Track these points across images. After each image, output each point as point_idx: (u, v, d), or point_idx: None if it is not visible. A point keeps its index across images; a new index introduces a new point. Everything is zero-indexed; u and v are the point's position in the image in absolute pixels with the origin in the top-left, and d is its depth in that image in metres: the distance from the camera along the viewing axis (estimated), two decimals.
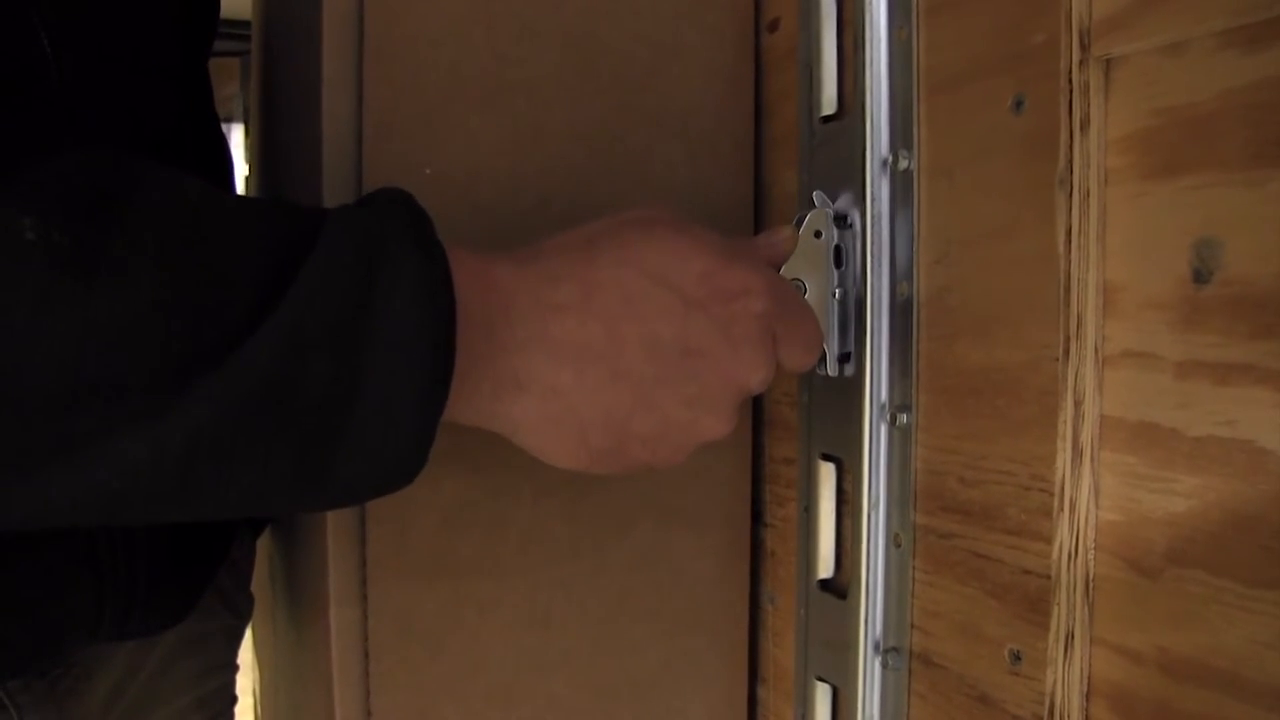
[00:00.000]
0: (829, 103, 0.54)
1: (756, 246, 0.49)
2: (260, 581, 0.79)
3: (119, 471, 0.32)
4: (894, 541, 0.51)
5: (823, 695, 0.56)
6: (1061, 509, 0.42)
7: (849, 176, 0.51)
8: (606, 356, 0.40)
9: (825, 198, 0.51)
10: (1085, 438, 0.42)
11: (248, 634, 0.77)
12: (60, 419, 0.31)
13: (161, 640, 0.62)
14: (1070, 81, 0.41)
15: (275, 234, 0.35)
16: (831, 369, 0.51)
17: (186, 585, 0.61)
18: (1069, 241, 0.41)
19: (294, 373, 0.33)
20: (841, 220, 0.51)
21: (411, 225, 0.37)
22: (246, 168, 0.99)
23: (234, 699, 0.74)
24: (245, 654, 0.83)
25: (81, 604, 0.52)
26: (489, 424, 0.41)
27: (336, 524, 0.52)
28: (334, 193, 0.51)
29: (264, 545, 0.80)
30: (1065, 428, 0.42)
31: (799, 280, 0.49)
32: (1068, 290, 0.41)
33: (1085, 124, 0.41)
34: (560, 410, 0.40)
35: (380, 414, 0.35)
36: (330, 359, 0.34)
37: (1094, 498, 0.42)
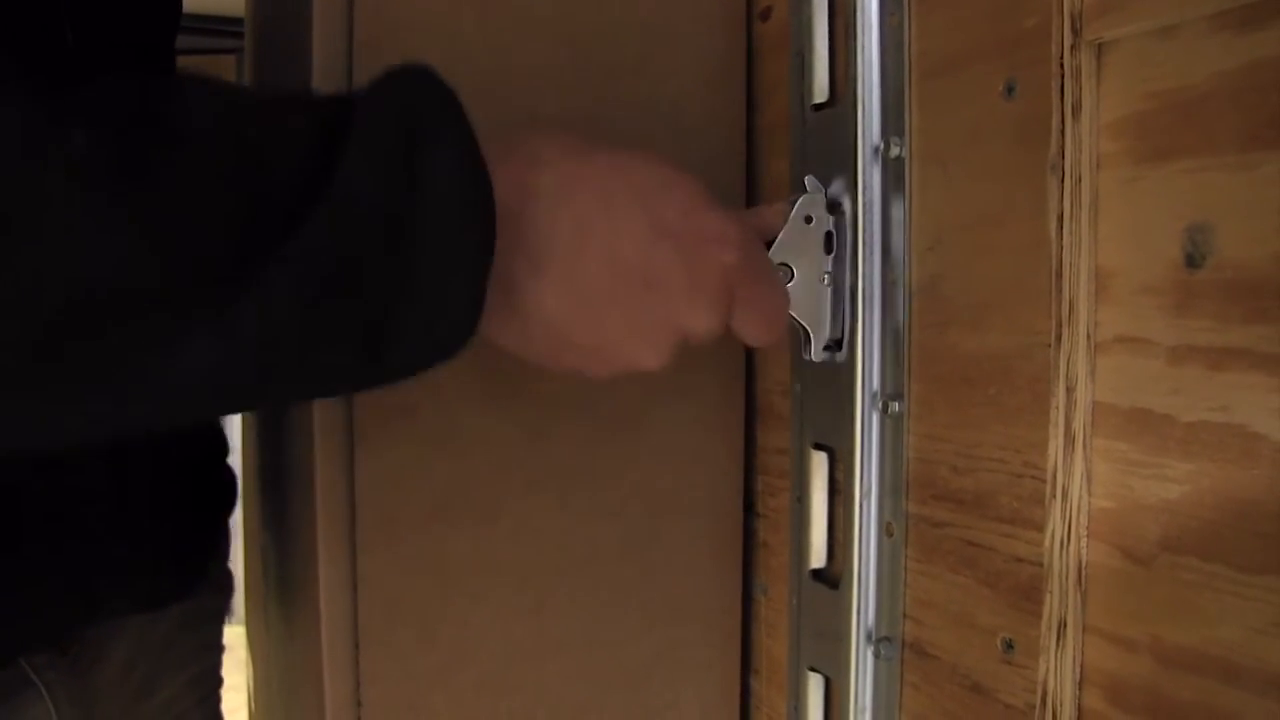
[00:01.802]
0: (820, 90, 0.54)
1: (752, 215, 0.50)
2: (253, 576, 0.79)
3: (198, 365, 0.33)
4: (886, 531, 0.51)
5: (815, 686, 0.56)
6: (1054, 496, 0.42)
7: (841, 164, 0.51)
8: (564, 259, 0.40)
9: (817, 182, 0.50)
10: (1077, 424, 0.42)
11: (241, 630, 0.77)
12: (134, 322, 0.32)
13: (164, 617, 0.64)
14: (1062, 66, 0.41)
15: (310, 120, 0.36)
16: (817, 355, 0.51)
17: (198, 552, 0.65)
18: (1061, 227, 0.41)
19: (353, 250, 0.34)
20: (834, 207, 0.51)
21: (440, 99, 0.37)
22: None
23: (221, 681, 0.75)
24: (241, 650, 0.83)
25: (114, 571, 0.54)
26: None
27: (327, 515, 0.52)
28: None
29: (256, 540, 0.79)
30: (1057, 414, 0.42)
31: (787, 265, 0.49)
32: (1060, 276, 0.41)
33: (1077, 109, 0.41)
34: (511, 302, 0.40)
35: (437, 284, 0.36)
36: (385, 235, 0.35)
37: (1086, 485, 0.42)
